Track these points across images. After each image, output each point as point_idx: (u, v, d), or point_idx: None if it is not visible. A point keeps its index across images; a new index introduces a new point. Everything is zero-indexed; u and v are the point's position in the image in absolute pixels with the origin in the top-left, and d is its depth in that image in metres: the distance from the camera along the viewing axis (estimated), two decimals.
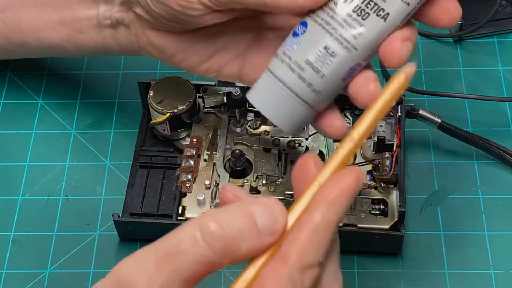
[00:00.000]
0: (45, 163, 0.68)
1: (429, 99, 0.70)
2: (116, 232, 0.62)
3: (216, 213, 0.39)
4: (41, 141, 0.69)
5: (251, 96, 0.50)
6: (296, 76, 0.47)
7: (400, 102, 0.64)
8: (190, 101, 0.64)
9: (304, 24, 0.48)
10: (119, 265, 0.38)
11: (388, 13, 0.46)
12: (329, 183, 0.41)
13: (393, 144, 0.61)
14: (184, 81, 0.64)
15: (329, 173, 0.41)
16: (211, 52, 0.54)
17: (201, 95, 0.65)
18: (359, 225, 0.59)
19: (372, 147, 0.62)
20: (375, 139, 0.61)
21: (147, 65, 0.73)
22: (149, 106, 0.63)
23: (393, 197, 0.60)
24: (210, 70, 0.55)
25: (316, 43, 0.47)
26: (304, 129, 0.50)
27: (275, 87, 0.48)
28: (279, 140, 0.64)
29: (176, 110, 0.63)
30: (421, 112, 0.65)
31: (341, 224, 0.59)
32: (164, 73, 0.69)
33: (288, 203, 0.52)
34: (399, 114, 0.63)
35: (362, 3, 0.46)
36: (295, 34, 0.48)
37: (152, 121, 0.64)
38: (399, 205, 0.59)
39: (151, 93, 0.63)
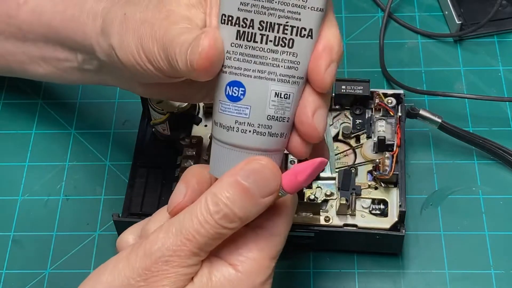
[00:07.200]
0: (45, 163, 0.68)
1: (429, 99, 0.70)
2: (116, 232, 0.62)
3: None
4: (41, 141, 0.69)
5: (219, 173, 0.46)
6: (268, 136, 0.45)
7: (400, 102, 0.64)
8: None
9: (238, 84, 0.45)
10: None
11: (311, 29, 0.44)
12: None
13: (393, 144, 0.61)
14: None
15: None
16: (186, 96, 0.53)
17: None
18: (359, 225, 0.59)
19: (372, 147, 0.62)
20: (375, 139, 0.61)
21: None
22: (149, 106, 0.63)
23: (393, 197, 0.60)
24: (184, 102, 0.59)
25: (265, 95, 0.45)
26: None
27: (242, 156, 0.45)
28: None
29: (176, 110, 0.63)
30: (421, 112, 0.65)
31: (341, 224, 0.59)
32: None
33: None
34: (399, 114, 0.63)
35: (282, 33, 0.44)
36: (236, 99, 0.45)
37: (152, 121, 0.64)
38: (399, 205, 0.59)
39: None
